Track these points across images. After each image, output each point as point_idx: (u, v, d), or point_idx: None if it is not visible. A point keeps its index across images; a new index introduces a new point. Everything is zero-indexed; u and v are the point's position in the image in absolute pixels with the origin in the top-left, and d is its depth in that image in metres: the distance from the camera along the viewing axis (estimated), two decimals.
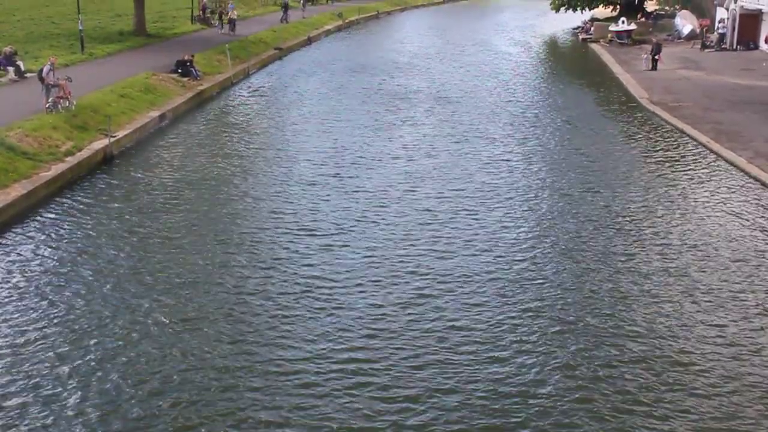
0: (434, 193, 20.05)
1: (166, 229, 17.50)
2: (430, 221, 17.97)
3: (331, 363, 11.83)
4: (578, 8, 59.13)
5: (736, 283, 14.77)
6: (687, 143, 25.44)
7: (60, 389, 11.05)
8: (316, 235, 17.13)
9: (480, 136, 26.09)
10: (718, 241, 16.89)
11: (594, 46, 49.82)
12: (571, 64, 46.13)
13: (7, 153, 20.22)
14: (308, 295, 14.14)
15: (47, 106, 24.36)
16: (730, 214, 18.65)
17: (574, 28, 58.20)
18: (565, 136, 26.40)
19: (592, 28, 53.56)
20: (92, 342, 12.44)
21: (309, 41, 51.86)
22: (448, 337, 12.66)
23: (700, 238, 17.08)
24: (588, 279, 14.98)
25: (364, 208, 18.85)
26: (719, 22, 46.19)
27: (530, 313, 13.42)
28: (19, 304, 13.72)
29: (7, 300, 13.86)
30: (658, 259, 15.89)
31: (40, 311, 13.46)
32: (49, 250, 16.23)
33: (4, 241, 16.59)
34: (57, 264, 15.49)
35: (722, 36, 45.03)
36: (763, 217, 18.47)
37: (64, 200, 19.38)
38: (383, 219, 18.16)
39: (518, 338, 12.57)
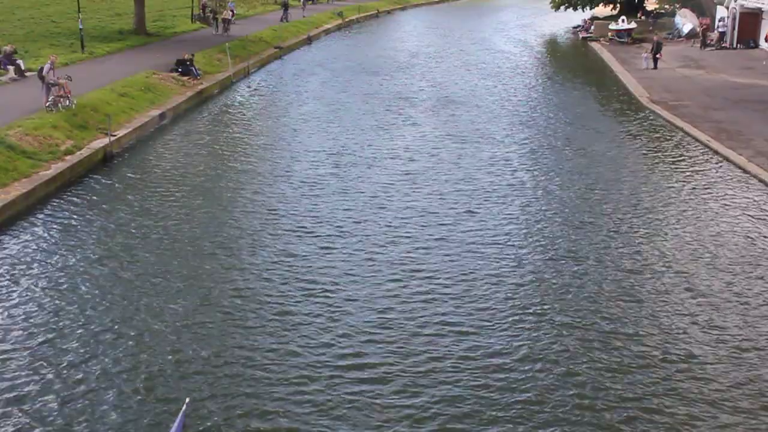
0: (435, 192, 20.05)
1: (166, 228, 17.50)
2: (430, 221, 17.96)
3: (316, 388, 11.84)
4: (578, 7, 59.06)
5: (737, 282, 14.76)
6: (687, 142, 25.43)
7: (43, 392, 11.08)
8: (316, 235, 17.15)
9: (480, 135, 26.07)
10: (719, 239, 16.89)
11: (594, 44, 49.79)
12: (571, 62, 46.07)
13: (7, 152, 20.23)
14: (307, 296, 14.11)
15: (47, 104, 24.36)
16: (731, 212, 18.64)
17: (574, 27, 58.15)
18: (565, 135, 26.38)
19: (592, 27, 53.53)
20: (89, 342, 12.47)
21: (309, 40, 51.84)
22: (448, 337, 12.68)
23: (701, 236, 17.07)
24: (588, 278, 14.99)
25: (364, 209, 18.87)
26: (719, 20, 46.15)
27: (531, 314, 13.39)
28: (20, 303, 13.74)
29: (7, 300, 13.86)
30: (658, 258, 15.88)
31: (40, 310, 13.47)
32: (50, 249, 16.23)
33: (4, 241, 16.59)
34: (57, 263, 15.49)
35: (722, 34, 44.98)
36: (763, 215, 18.47)
37: (64, 199, 19.37)
38: (383, 219, 18.17)
39: (519, 339, 12.51)
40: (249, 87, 35.73)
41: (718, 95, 31.63)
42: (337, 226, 17.50)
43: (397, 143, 25.06)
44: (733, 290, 14.43)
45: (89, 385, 11.20)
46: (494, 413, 10.63)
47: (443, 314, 13.45)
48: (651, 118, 29.11)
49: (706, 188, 20.59)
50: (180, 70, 33.31)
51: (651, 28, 50.91)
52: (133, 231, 17.26)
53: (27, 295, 14.03)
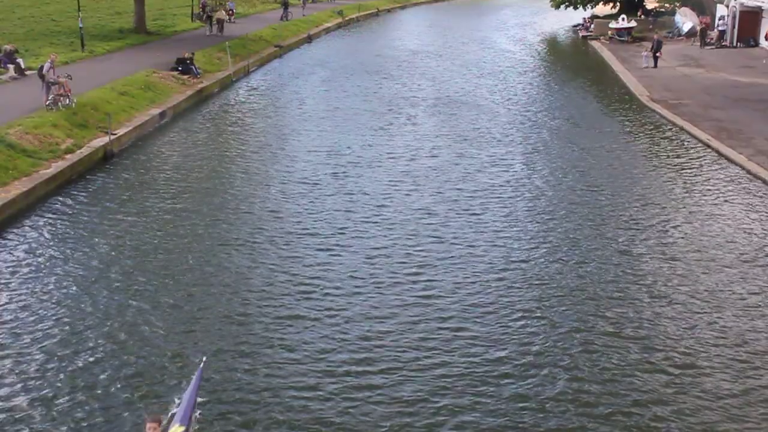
0: (435, 192, 20.05)
1: (166, 227, 17.51)
2: (430, 222, 17.96)
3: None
4: (578, 5, 59.02)
5: (738, 282, 14.77)
6: (687, 141, 25.43)
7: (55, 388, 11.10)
8: (315, 235, 17.16)
9: (480, 134, 26.07)
10: (719, 238, 16.90)
11: (594, 43, 49.76)
12: (571, 61, 46.05)
13: (7, 150, 20.24)
14: (307, 298, 14.09)
15: (47, 103, 24.37)
16: (731, 211, 18.66)
17: (574, 26, 58.11)
18: (565, 134, 26.38)
19: (593, 26, 53.50)
20: (84, 343, 12.48)
21: (309, 39, 51.81)
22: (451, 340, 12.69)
23: (701, 235, 17.09)
24: (588, 277, 15.01)
25: (365, 209, 18.88)
26: (719, 19, 46.13)
27: (531, 315, 13.35)
28: (19, 302, 13.75)
29: (7, 298, 13.87)
30: (658, 257, 15.90)
31: (39, 309, 13.49)
32: (50, 248, 16.24)
33: (4, 240, 16.60)
34: (57, 262, 15.50)
35: (722, 33, 44.96)
36: (763, 214, 18.47)
37: (64, 198, 19.38)
38: (384, 220, 18.18)
39: (520, 341, 12.47)
40: (249, 86, 35.72)
41: (718, 94, 31.63)
42: (337, 227, 17.48)
43: (397, 143, 25.05)
44: (734, 289, 14.44)
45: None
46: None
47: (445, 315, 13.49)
48: (651, 116, 29.10)
49: (706, 187, 20.60)
50: (180, 68, 33.30)
51: (651, 26, 50.89)
52: (133, 230, 17.26)
53: (27, 293, 14.04)
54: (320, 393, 11.00)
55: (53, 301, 13.80)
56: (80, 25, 37.00)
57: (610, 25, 50.89)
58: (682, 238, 16.97)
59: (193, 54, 34.80)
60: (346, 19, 62.31)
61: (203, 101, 31.86)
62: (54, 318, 13.16)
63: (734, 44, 44.24)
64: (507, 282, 14.69)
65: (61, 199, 19.31)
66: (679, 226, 17.69)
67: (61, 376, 11.39)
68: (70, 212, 18.46)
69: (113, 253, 15.99)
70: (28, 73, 29.55)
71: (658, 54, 38.63)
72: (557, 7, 60.14)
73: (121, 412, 10.50)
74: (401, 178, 21.15)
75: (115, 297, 13.98)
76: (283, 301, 13.91)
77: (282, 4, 56.64)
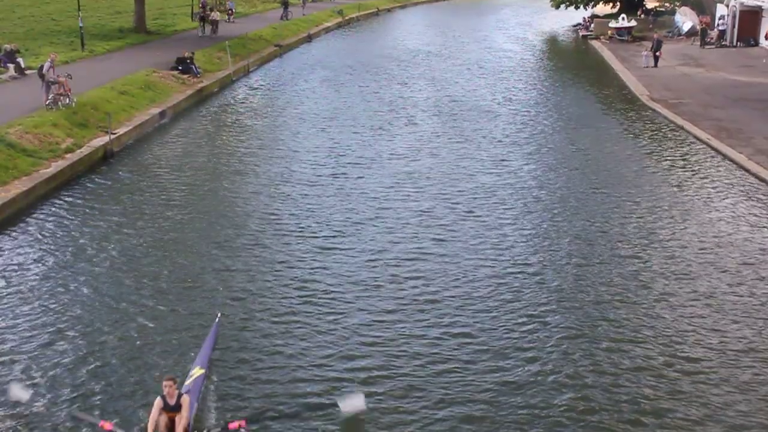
0: (435, 193, 20.06)
1: (166, 226, 17.52)
2: (430, 222, 17.96)
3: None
4: (578, 5, 59.02)
5: (739, 281, 14.77)
6: (687, 140, 25.43)
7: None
8: (315, 236, 17.17)
9: (481, 134, 26.07)
10: (719, 238, 16.90)
11: (594, 42, 49.76)
12: (571, 61, 46.06)
13: (7, 150, 20.25)
14: (307, 300, 14.03)
15: (47, 103, 24.37)
16: (731, 211, 18.66)
17: (574, 25, 58.11)
18: (565, 134, 26.39)
19: (593, 25, 53.48)
20: (81, 342, 12.51)
21: (309, 38, 51.82)
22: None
23: (701, 235, 17.09)
24: (588, 276, 15.02)
25: (365, 210, 18.89)
26: (719, 18, 46.13)
27: (532, 317, 13.29)
28: (20, 300, 13.76)
29: (7, 298, 13.88)
30: (658, 257, 15.90)
31: (40, 308, 13.51)
32: (50, 247, 16.25)
33: (4, 239, 16.61)
34: (57, 262, 15.51)
35: (722, 32, 44.97)
36: (763, 214, 18.48)
37: (64, 198, 19.39)
38: (385, 221, 18.18)
39: (521, 345, 12.40)
40: (249, 85, 35.72)
41: (718, 93, 31.63)
42: (336, 228, 17.46)
43: (397, 142, 25.06)
44: (734, 289, 14.44)
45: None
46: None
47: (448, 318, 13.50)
48: (651, 116, 29.10)
49: (706, 186, 20.60)
50: (180, 68, 33.31)
51: (651, 26, 50.90)
52: (133, 229, 17.27)
53: (27, 292, 14.06)
54: None
55: (53, 300, 13.81)
56: (80, 25, 37.01)
57: (610, 25, 50.89)
58: (683, 237, 16.96)
59: (193, 53, 34.81)
60: (346, 18, 62.30)
61: (203, 101, 31.87)
62: (53, 318, 13.18)
63: (734, 44, 44.23)
64: (507, 283, 14.68)
65: (61, 198, 19.32)
66: (679, 225, 17.68)
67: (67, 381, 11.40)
68: (70, 212, 18.46)
69: (113, 252, 15.99)
70: (28, 72, 29.56)
71: (658, 53, 38.62)
72: (557, 6, 60.14)
73: None
74: (402, 178, 21.14)
75: (114, 297, 13.98)
76: (284, 302, 13.93)
77: (282, 3, 56.62)
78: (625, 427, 10.40)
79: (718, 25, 45.83)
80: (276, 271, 15.13)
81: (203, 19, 45.31)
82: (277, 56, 44.12)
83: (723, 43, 44.62)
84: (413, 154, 23.49)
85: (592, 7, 58.88)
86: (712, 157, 23.41)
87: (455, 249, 16.22)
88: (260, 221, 17.88)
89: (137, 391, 10.98)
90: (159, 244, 16.43)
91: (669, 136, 26.13)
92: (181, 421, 9.18)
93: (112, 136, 23.46)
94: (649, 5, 58.19)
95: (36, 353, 12.00)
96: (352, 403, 9.73)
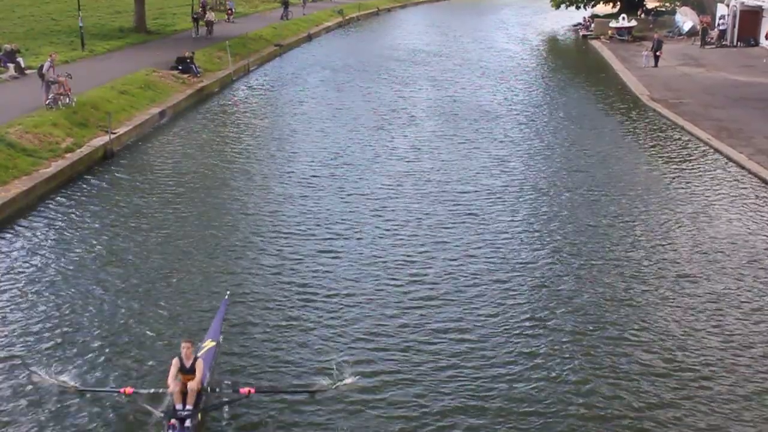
0: (435, 193, 20.05)
1: (166, 226, 17.51)
2: (431, 223, 17.94)
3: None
4: (579, 5, 59.03)
5: (739, 282, 14.75)
6: (687, 140, 25.42)
7: None
8: (314, 237, 17.16)
9: (481, 134, 26.07)
10: (719, 238, 16.89)
11: (594, 42, 49.75)
12: (571, 61, 46.07)
13: (7, 150, 20.24)
14: (305, 305, 13.96)
15: (47, 102, 24.36)
16: (731, 211, 18.65)
17: (574, 25, 58.10)
18: (565, 134, 26.38)
19: (593, 25, 53.48)
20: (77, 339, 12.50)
21: (309, 38, 51.81)
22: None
23: (701, 234, 17.08)
24: (588, 276, 15.01)
25: (366, 211, 18.88)
26: (720, 18, 46.12)
27: (533, 320, 13.24)
28: (20, 300, 13.75)
29: (8, 297, 13.87)
30: (658, 257, 15.89)
31: (40, 308, 13.50)
32: (50, 247, 16.24)
33: (4, 238, 16.60)
34: (57, 261, 15.49)
35: (723, 32, 44.96)
36: (763, 214, 18.47)
37: (64, 197, 19.37)
38: (383, 222, 18.18)
39: (522, 348, 12.33)
40: (249, 85, 35.71)
41: (719, 93, 31.62)
42: (335, 230, 17.43)
43: (397, 143, 25.05)
44: (734, 289, 14.42)
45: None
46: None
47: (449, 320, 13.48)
48: (651, 116, 29.09)
49: (706, 186, 20.59)
50: (180, 67, 33.29)
51: (651, 26, 50.89)
52: (133, 229, 17.25)
53: (28, 292, 14.05)
54: None
55: (53, 299, 13.80)
56: (80, 24, 37.00)
57: (611, 25, 50.88)
58: (683, 238, 16.95)
59: (193, 53, 34.80)
60: (347, 18, 62.29)
61: (203, 100, 31.85)
62: (51, 317, 13.17)
63: (734, 44, 44.23)
64: (508, 284, 14.66)
65: (61, 198, 19.31)
66: (679, 226, 17.67)
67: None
68: (70, 211, 18.45)
69: (113, 252, 15.98)
70: (28, 72, 29.54)
71: (658, 53, 38.62)
72: (557, 6, 60.14)
73: None
74: (402, 179, 21.13)
75: (113, 296, 13.98)
76: (283, 305, 13.92)
77: (282, 3, 56.60)
78: (627, 427, 10.39)
79: (718, 24, 45.82)
80: (275, 271, 15.12)
81: (197, 19, 44.30)
82: (277, 56, 44.11)
83: (723, 42, 44.61)
84: (413, 155, 23.47)
85: (592, 7, 58.88)
86: (713, 157, 23.40)
87: (455, 249, 16.21)
88: (260, 221, 17.87)
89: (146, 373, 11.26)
90: (159, 244, 16.41)
91: (669, 136, 26.12)
92: (195, 381, 9.92)
93: (112, 136, 23.44)
94: (650, 5, 58.18)
95: (41, 349, 12.01)
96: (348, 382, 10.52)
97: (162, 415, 9.86)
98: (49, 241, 16.60)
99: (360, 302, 13.81)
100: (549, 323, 13.12)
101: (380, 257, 15.78)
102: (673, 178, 21.28)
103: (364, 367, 11.59)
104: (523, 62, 42.78)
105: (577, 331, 12.87)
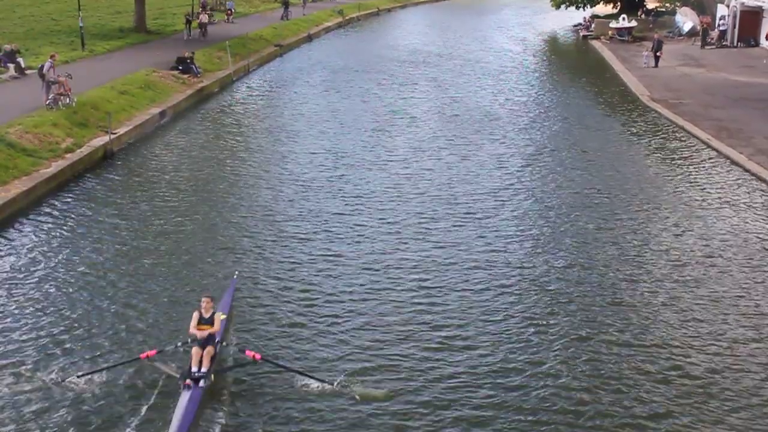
0: (436, 194, 20.05)
1: (166, 226, 17.51)
2: (430, 223, 17.94)
3: None
4: (579, 5, 59.03)
5: (740, 282, 14.75)
6: (687, 140, 25.43)
7: None
8: (314, 238, 17.16)
9: (482, 134, 26.06)
10: (719, 238, 16.89)
11: (595, 43, 49.74)
12: (571, 61, 46.08)
13: (7, 150, 20.24)
14: (309, 306, 13.92)
15: (47, 102, 24.36)
16: (731, 210, 18.65)
17: (574, 26, 58.09)
18: (565, 134, 26.38)
19: (593, 25, 53.45)
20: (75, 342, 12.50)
21: (309, 38, 51.81)
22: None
23: (701, 235, 17.08)
24: (588, 277, 15.02)
25: (366, 212, 18.88)
26: (720, 19, 46.11)
27: (534, 323, 13.18)
28: (20, 300, 13.76)
29: (8, 297, 13.88)
30: (658, 258, 15.90)
31: (40, 307, 13.50)
32: (50, 247, 16.24)
33: (4, 238, 16.59)
34: (56, 261, 15.49)
35: (723, 33, 44.95)
36: (763, 213, 18.46)
37: (64, 197, 19.37)
38: (383, 223, 18.17)
39: (522, 351, 12.25)
40: (249, 85, 35.70)
41: (719, 93, 31.62)
42: (335, 231, 17.41)
43: (397, 143, 25.05)
44: (735, 290, 14.42)
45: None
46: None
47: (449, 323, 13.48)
48: (651, 116, 29.08)
49: (706, 187, 20.59)
50: (180, 68, 33.29)
51: (651, 26, 50.89)
52: (133, 229, 17.26)
53: (27, 292, 14.06)
54: None
55: (52, 299, 13.80)
56: (80, 24, 37.00)
57: (611, 25, 50.87)
58: (683, 238, 16.95)
59: (193, 53, 34.80)
60: (347, 18, 62.29)
61: (203, 100, 31.85)
62: (50, 316, 13.17)
63: (735, 44, 44.22)
64: (508, 286, 14.66)
65: (61, 198, 19.30)
66: (679, 226, 17.67)
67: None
68: (71, 211, 18.45)
69: (113, 252, 15.98)
70: (28, 72, 29.54)
71: (658, 54, 38.62)
72: (557, 6, 60.12)
73: None
74: (403, 180, 21.14)
75: (112, 296, 13.98)
76: (284, 307, 13.92)
77: (282, 3, 56.61)
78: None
79: (718, 25, 45.81)
80: (276, 272, 15.13)
81: (189, 21, 43.07)
82: (277, 56, 44.11)
83: (723, 43, 44.60)
84: (414, 155, 23.46)
85: (592, 7, 58.86)
86: (713, 157, 23.40)
87: (456, 250, 16.20)
88: (260, 221, 17.86)
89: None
90: (158, 244, 16.41)
91: (669, 136, 26.12)
92: (212, 330, 11.22)
93: (112, 136, 23.44)
94: (650, 5, 58.18)
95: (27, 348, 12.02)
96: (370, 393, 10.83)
97: (179, 376, 10.79)
98: (50, 241, 16.58)
99: (361, 303, 13.81)
100: (547, 324, 13.11)
101: (380, 259, 15.79)
102: (673, 179, 21.28)
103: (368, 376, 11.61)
104: (524, 63, 42.78)
105: (577, 332, 12.88)
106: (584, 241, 16.78)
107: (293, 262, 15.49)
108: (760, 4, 42.21)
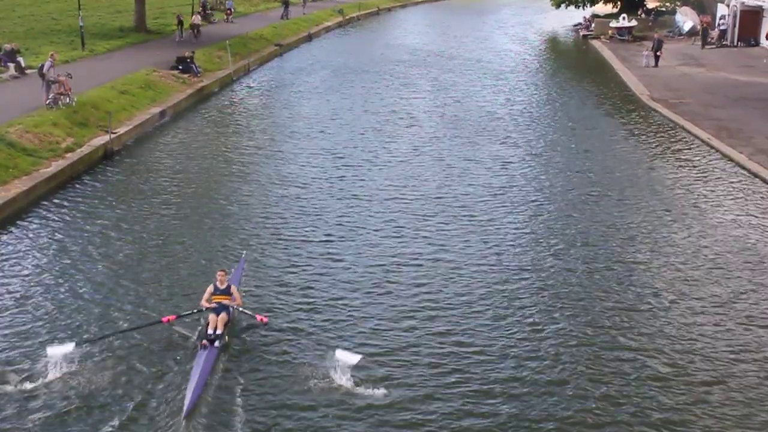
0: (436, 194, 20.05)
1: (166, 226, 17.51)
2: (430, 225, 17.94)
3: None
4: (579, 5, 59.03)
5: (740, 283, 14.75)
6: (688, 140, 25.43)
7: None
8: (314, 240, 17.17)
9: (482, 135, 26.06)
10: (719, 238, 16.89)
11: (595, 42, 49.73)
12: (571, 60, 46.07)
13: (7, 149, 20.24)
14: (310, 309, 13.94)
15: (47, 102, 24.36)
16: (731, 211, 18.65)
17: (574, 25, 58.08)
18: (565, 134, 26.38)
19: (593, 25, 53.45)
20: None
21: (309, 38, 51.79)
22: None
23: (700, 235, 17.08)
24: (588, 278, 15.01)
25: (363, 212, 18.88)
26: (720, 18, 46.11)
27: (534, 325, 13.15)
28: (20, 300, 13.76)
29: (8, 297, 13.88)
30: (658, 258, 15.90)
31: (40, 306, 13.50)
32: (50, 246, 16.24)
33: (4, 238, 16.60)
34: (56, 261, 15.50)
35: (723, 32, 44.95)
36: (763, 214, 18.46)
37: (64, 197, 19.37)
38: (383, 224, 18.18)
39: (523, 355, 12.22)
40: (249, 85, 35.70)
41: (719, 93, 31.62)
42: (334, 232, 17.41)
43: (398, 143, 25.05)
44: (735, 291, 14.42)
45: None
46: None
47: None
48: (652, 116, 29.09)
49: (706, 186, 20.59)
50: (180, 67, 33.28)
51: (651, 25, 50.90)
52: (133, 229, 17.26)
53: (28, 291, 14.06)
54: None
55: (52, 299, 13.81)
56: (80, 24, 36.98)
57: (611, 24, 50.88)
58: (683, 238, 16.95)
59: (193, 53, 34.80)
60: (347, 17, 62.27)
61: (203, 100, 31.84)
62: (50, 316, 13.18)
63: (735, 44, 44.22)
64: (509, 287, 14.66)
65: (61, 197, 19.30)
66: (679, 225, 17.68)
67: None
68: (71, 211, 18.44)
69: (113, 251, 15.99)
70: (28, 71, 29.53)
71: (658, 53, 38.62)
72: (557, 6, 60.14)
73: None
74: (403, 180, 21.14)
75: (112, 295, 13.98)
76: (281, 309, 13.93)
77: (282, 2, 56.59)
78: None
79: (718, 24, 45.81)
80: (275, 273, 15.13)
81: (181, 22, 41.71)
82: (277, 56, 44.10)
83: (724, 42, 44.59)
84: (414, 156, 23.46)
85: (592, 7, 58.83)
86: (713, 156, 23.40)
87: (456, 251, 16.21)
88: (259, 221, 17.86)
89: None
90: (158, 244, 16.41)
91: (669, 136, 26.12)
92: (228, 300, 12.37)
93: (113, 136, 23.44)
94: (650, 5, 58.17)
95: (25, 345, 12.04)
96: (348, 358, 11.47)
97: (196, 337, 12.09)
98: (50, 240, 16.59)
99: (362, 303, 13.83)
100: (548, 326, 13.10)
101: (379, 260, 15.81)
102: (673, 178, 21.28)
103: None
104: (524, 62, 42.77)
105: (577, 334, 12.88)
106: (584, 241, 16.78)
107: (293, 263, 15.50)
108: (760, 3, 42.21)
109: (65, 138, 22.37)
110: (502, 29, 59.25)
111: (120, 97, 27.48)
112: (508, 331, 12.90)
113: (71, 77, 25.39)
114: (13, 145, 20.59)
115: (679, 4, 53.86)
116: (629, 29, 49.49)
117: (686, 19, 49.86)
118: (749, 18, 43.76)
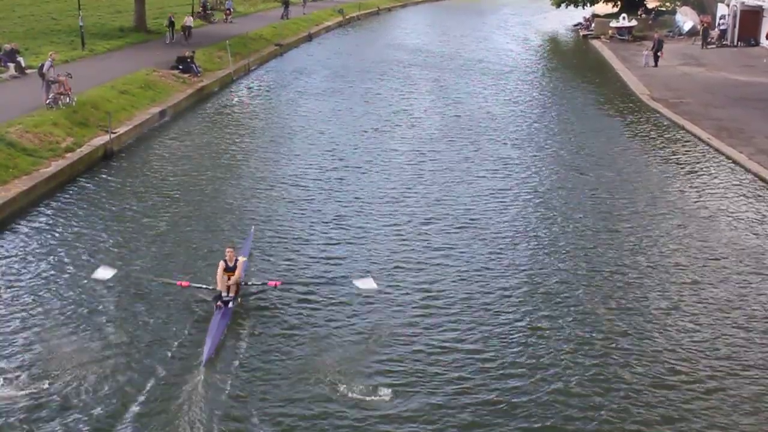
0: (436, 195, 20.05)
1: (165, 225, 17.50)
2: (431, 226, 17.93)
3: None
4: (579, 4, 59.03)
5: (740, 283, 14.74)
6: (688, 140, 25.43)
7: None
8: (313, 241, 17.17)
9: (481, 134, 26.06)
10: (719, 238, 16.90)
11: (595, 42, 49.73)
12: (572, 60, 46.07)
13: (7, 149, 20.23)
14: (311, 311, 14.00)
15: (47, 102, 24.35)
16: (732, 211, 18.65)
17: (574, 25, 58.09)
18: (565, 134, 26.38)
19: (593, 25, 53.45)
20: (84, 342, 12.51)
21: (310, 38, 51.77)
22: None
23: (700, 235, 17.08)
24: (587, 278, 15.01)
25: (363, 212, 18.89)
26: (720, 18, 46.12)
27: (535, 328, 13.07)
28: (20, 299, 13.75)
29: (8, 296, 13.87)
30: (658, 258, 15.89)
31: (40, 306, 13.50)
32: (50, 246, 16.23)
33: (5, 238, 16.59)
34: (56, 260, 15.49)
35: (723, 32, 44.96)
36: (763, 213, 18.46)
37: (65, 197, 19.36)
38: (384, 224, 18.18)
39: (522, 355, 12.19)
40: (249, 85, 35.70)
41: (719, 93, 31.62)
42: (334, 235, 17.37)
43: (398, 143, 25.05)
44: (736, 291, 14.42)
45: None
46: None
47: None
48: (652, 115, 29.09)
49: (706, 186, 20.59)
50: (180, 67, 33.26)
51: (651, 23, 50.89)
52: (133, 229, 17.25)
53: (27, 291, 14.06)
54: None
55: (53, 298, 13.80)
56: (80, 24, 36.97)
57: (611, 24, 50.88)
58: (683, 238, 16.95)
59: (193, 52, 34.78)
60: (347, 17, 62.27)
61: (203, 100, 31.84)
62: (49, 316, 13.18)
63: (735, 43, 44.22)
64: (509, 288, 14.65)
65: (61, 197, 19.29)
66: (679, 225, 17.68)
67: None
68: (71, 211, 18.44)
69: (113, 251, 15.98)
70: (28, 71, 29.52)
71: (658, 53, 38.62)
72: (558, 5, 60.16)
73: None
74: (403, 180, 21.14)
75: (112, 295, 13.98)
76: (281, 309, 13.94)
77: (283, 2, 56.59)
78: None
79: (719, 24, 45.82)
80: (274, 273, 15.14)
81: (173, 23, 40.93)
82: (277, 56, 44.10)
83: (724, 42, 44.60)
84: (414, 156, 23.46)
85: (592, 6, 58.83)
86: (713, 156, 23.40)
87: (457, 252, 16.20)
88: (259, 221, 17.86)
89: None
90: (158, 244, 16.41)
91: (669, 135, 26.12)
92: (236, 275, 13.29)
93: (113, 136, 23.44)
94: (650, 5, 58.17)
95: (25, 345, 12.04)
96: (365, 283, 13.42)
97: (211, 299, 13.25)
98: (50, 240, 16.58)
99: (363, 307, 13.83)
100: (548, 327, 13.08)
101: (381, 259, 15.81)
102: (673, 178, 21.28)
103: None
104: (524, 62, 42.78)
105: (578, 335, 12.87)
106: (584, 241, 16.79)
107: (294, 263, 15.50)
108: (760, 3, 42.22)
109: (65, 138, 22.37)
110: (502, 29, 59.27)
111: (120, 97, 27.48)
112: (507, 329, 12.89)
113: (71, 77, 25.39)
114: (13, 145, 20.59)
115: (679, 3, 53.87)
116: (629, 29, 49.49)
117: (686, 18, 49.88)
118: (749, 18, 43.78)
